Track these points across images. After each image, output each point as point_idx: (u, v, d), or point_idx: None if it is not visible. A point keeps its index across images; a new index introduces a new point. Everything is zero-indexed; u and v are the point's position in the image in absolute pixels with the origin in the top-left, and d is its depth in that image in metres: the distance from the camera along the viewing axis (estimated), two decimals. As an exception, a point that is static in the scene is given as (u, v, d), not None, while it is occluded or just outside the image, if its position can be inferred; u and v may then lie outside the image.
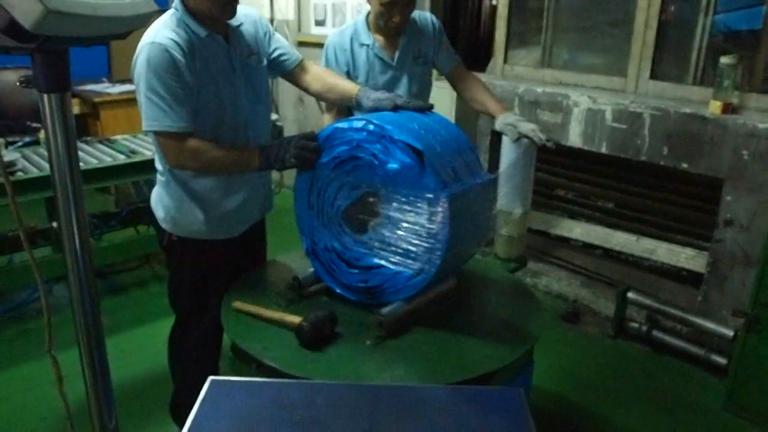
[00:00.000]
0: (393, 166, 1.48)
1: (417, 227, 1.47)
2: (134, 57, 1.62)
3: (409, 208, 1.47)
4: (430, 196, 1.44)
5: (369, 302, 1.61)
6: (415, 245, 1.49)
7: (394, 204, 1.50)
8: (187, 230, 1.83)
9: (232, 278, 1.82)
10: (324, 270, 1.69)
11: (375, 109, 1.74)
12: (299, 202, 1.70)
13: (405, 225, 1.50)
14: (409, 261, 1.51)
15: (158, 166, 1.82)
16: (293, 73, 1.93)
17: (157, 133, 1.65)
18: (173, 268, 1.95)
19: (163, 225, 1.86)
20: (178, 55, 1.58)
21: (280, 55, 1.89)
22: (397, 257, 1.53)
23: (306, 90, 1.96)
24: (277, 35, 1.92)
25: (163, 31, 1.60)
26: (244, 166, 1.68)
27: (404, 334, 1.53)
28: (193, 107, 1.64)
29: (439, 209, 1.43)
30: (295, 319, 1.49)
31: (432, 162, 1.45)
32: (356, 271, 1.61)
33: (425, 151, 1.45)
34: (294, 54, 1.93)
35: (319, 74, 1.95)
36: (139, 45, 1.61)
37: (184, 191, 1.79)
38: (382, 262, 1.56)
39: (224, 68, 1.70)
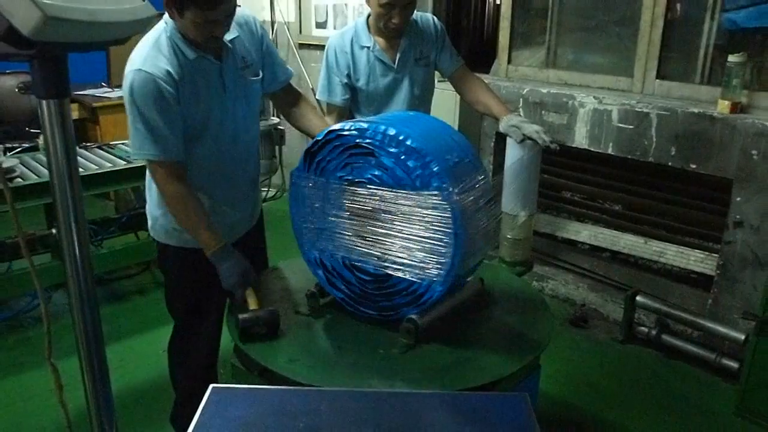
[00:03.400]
0: (394, 167, 1.43)
1: (424, 232, 1.42)
2: (124, 77, 1.58)
3: (416, 210, 1.42)
4: (438, 197, 1.38)
5: (380, 315, 1.56)
6: (426, 251, 1.43)
7: (402, 208, 1.44)
8: (175, 239, 1.81)
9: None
10: (328, 281, 1.63)
11: None
12: (296, 215, 1.63)
13: (412, 230, 1.44)
14: (418, 270, 1.45)
15: (149, 174, 1.79)
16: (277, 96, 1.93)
17: (148, 161, 1.64)
18: (167, 276, 1.93)
19: (152, 233, 1.85)
20: (166, 86, 1.55)
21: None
22: (407, 266, 1.46)
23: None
24: (272, 48, 1.87)
25: (152, 55, 1.56)
26: (198, 240, 1.66)
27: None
28: (180, 133, 1.62)
29: (448, 211, 1.38)
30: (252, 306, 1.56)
31: (439, 163, 1.40)
32: (369, 278, 1.55)
33: (427, 150, 1.41)
34: (283, 74, 1.89)
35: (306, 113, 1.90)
36: (128, 67, 1.57)
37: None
38: (392, 272, 1.49)
39: (215, 89, 1.67)
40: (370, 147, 1.45)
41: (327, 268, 1.61)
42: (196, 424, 1.12)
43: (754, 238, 2.57)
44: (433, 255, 1.42)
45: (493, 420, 1.16)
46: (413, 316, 1.47)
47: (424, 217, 1.41)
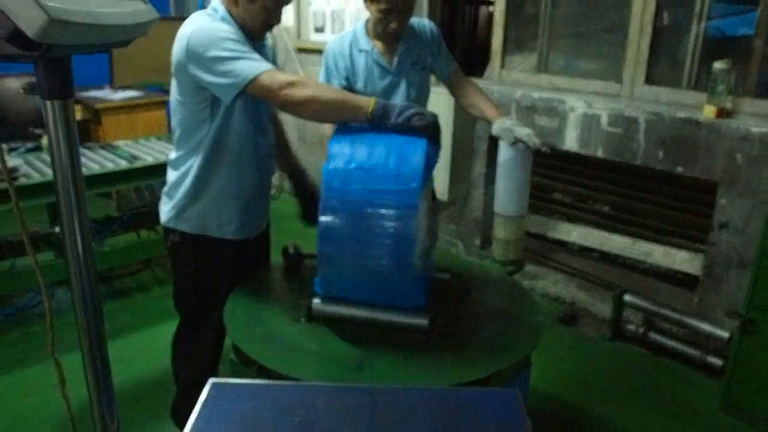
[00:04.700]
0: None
1: None
2: (179, 47, 1.61)
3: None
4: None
5: None
6: None
7: None
8: (196, 227, 1.84)
9: (236, 280, 1.83)
10: None
11: None
12: None
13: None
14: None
15: (178, 161, 1.81)
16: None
17: (252, 86, 1.56)
18: (178, 269, 1.95)
19: (171, 224, 1.85)
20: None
21: None
22: None
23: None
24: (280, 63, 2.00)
25: (209, 21, 1.64)
26: (354, 110, 1.54)
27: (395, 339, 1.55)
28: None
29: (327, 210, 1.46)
30: None
31: (335, 163, 1.48)
32: None
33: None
34: None
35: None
36: (182, 34, 1.61)
37: (203, 183, 1.80)
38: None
39: None
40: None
41: None
42: (195, 418, 1.15)
43: (739, 239, 2.62)
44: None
45: (484, 415, 1.17)
46: (315, 298, 1.61)
47: None
